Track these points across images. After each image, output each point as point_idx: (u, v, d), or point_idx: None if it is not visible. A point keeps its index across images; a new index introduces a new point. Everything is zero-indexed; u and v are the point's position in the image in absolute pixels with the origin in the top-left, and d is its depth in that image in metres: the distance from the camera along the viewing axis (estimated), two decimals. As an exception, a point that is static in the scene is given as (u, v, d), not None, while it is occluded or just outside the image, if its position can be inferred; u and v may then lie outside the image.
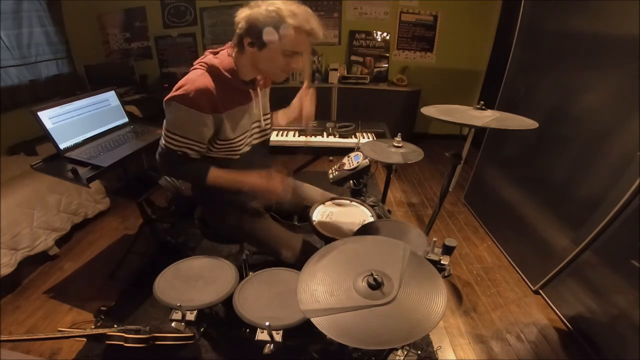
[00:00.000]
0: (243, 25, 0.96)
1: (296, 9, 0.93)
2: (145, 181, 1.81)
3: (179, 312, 0.99)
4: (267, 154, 1.38)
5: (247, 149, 1.21)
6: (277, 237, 1.23)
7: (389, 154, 1.52)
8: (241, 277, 1.14)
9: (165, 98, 0.99)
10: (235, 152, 1.16)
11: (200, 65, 1.04)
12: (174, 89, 0.98)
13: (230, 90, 1.06)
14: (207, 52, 1.09)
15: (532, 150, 2.00)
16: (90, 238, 2.26)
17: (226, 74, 1.03)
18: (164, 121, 1.03)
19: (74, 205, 2.17)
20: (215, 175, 1.08)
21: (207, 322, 1.11)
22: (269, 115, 1.31)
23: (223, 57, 1.06)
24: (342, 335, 0.66)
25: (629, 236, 1.33)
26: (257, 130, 1.24)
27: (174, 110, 0.98)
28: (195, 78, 0.99)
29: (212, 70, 1.03)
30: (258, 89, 1.17)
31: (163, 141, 1.04)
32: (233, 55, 1.05)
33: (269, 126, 1.32)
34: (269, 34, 0.93)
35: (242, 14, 0.96)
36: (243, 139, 1.16)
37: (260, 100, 1.20)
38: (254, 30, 0.95)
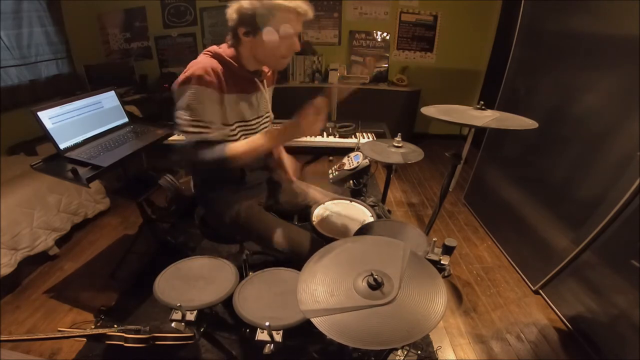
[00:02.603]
0: (234, 17, 0.98)
1: None
2: (145, 181, 1.81)
3: (179, 312, 0.99)
4: (265, 158, 1.37)
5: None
6: (276, 229, 1.21)
7: (389, 154, 1.52)
8: (241, 277, 1.14)
9: (173, 85, 1.00)
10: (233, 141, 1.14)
11: (205, 53, 1.06)
12: (181, 75, 0.98)
13: (235, 76, 1.06)
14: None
15: (532, 150, 2.00)
16: (90, 238, 2.26)
17: (231, 60, 1.05)
18: (175, 112, 1.00)
19: (74, 205, 2.17)
20: (232, 147, 1.01)
21: (207, 322, 1.11)
22: (269, 114, 1.31)
23: (225, 47, 1.08)
24: (342, 335, 0.66)
25: (629, 236, 1.33)
26: (258, 125, 1.22)
27: (183, 93, 0.97)
28: (200, 60, 1.01)
29: (217, 56, 1.04)
30: (265, 82, 1.17)
31: (180, 131, 1.00)
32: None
33: (267, 125, 1.32)
34: (262, 17, 0.95)
35: (232, 9, 0.98)
36: (241, 128, 1.15)
37: (265, 95, 1.20)
38: (246, 18, 0.97)
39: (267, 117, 1.26)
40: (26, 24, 2.72)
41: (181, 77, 0.98)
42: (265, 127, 1.26)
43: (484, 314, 1.71)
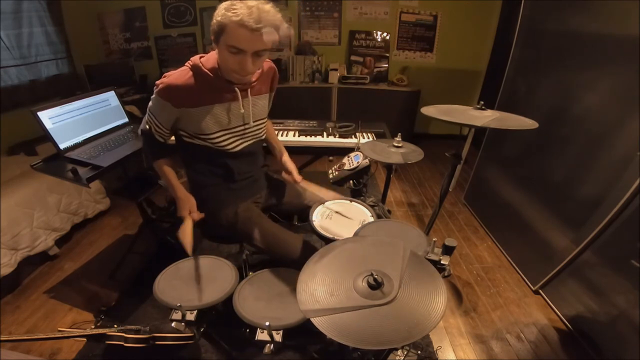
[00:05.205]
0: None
1: (251, 4, 0.92)
2: (145, 181, 1.81)
3: (179, 312, 0.99)
4: (258, 159, 1.37)
5: (238, 147, 1.22)
6: (274, 236, 1.22)
7: (389, 154, 1.52)
8: (241, 277, 1.14)
9: None
10: (223, 148, 1.18)
11: (187, 63, 1.10)
12: (161, 78, 1.07)
13: (211, 88, 1.09)
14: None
15: (532, 150, 2.00)
16: (90, 238, 2.26)
17: (207, 72, 1.07)
18: None
19: (74, 205, 2.17)
20: (162, 168, 1.23)
21: (207, 322, 1.11)
22: (262, 122, 1.29)
23: (209, 56, 1.10)
24: (342, 335, 0.66)
25: (629, 236, 1.33)
26: (242, 132, 1.22)
27: (154, 94, 1.09)
28: (174, 73, 1.07)
29: (194, 68, 1.08)
30: (248, 91, 1.17)
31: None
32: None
33: (261, 132, 1.31)
34: (217, 27, 0.98)
35: None
36: (224, 135, 1.17)
37: (251, 103, 1.19)
38: (211, 27, 0.99)
39: (256, 124, 1.25)
40: (26, 24, 2.72)
41: (159, 80, 1.06)
42: (255, 134, 1.27)
43: (484, 314, 1.71)
